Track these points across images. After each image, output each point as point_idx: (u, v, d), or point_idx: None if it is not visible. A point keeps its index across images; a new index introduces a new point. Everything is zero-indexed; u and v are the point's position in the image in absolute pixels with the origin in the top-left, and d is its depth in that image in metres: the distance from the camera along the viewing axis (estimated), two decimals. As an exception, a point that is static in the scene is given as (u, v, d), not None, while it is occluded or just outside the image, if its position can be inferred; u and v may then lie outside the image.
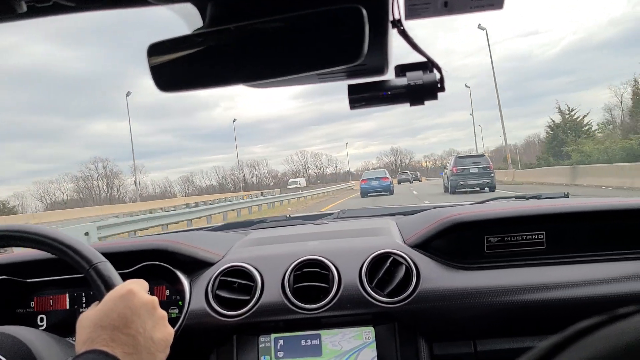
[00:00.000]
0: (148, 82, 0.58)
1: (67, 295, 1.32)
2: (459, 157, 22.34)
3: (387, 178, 27.10)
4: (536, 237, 1.28)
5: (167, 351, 0.79)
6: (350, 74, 0.72)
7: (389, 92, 0.73)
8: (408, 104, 0.74)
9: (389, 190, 26.41)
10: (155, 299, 0.79)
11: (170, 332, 0.80)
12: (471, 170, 20.44)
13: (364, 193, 26.76)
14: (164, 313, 0.80)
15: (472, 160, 21.04)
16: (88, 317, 0.75)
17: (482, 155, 22.23)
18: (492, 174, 20.57)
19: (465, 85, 55.17)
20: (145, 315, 0.76)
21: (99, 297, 0.80)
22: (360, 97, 0.74)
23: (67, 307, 1.32)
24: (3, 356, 0.78)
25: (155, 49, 0.57)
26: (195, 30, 0.57)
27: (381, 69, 0.72)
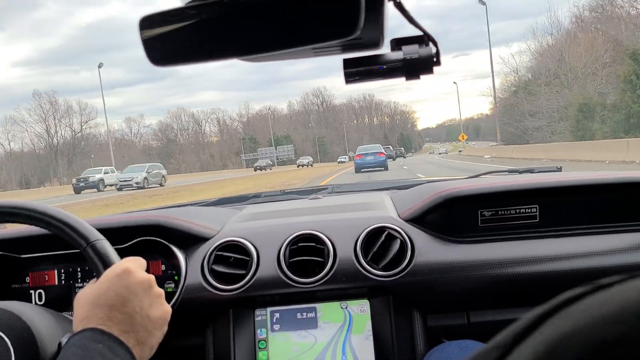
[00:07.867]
0: None
1: (63, 270, 1.33)
2: None
3: (383, 153, 26.09)
4: (529, 210, 1.29)
5: (165, 329, 0.80)
6: (345, 48, 0.71)
7: (385, 67, 0.72)
8: (404, 78, 0.74)
9: (383, 166, 25.39)
10: (152, 277, 0.80)
11: (167, 310, 0.81)
12: None
13: (358, 168, 25.60)
14: (160, 291, 0.81)
15: None
16: (85, 296, 0.76)
17: None
18: None
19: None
20: (142, 293, 0.77)
21: (96, 275, 0.81)
22: (356, 72, 0.73)
23: (63, 283, 1.32)
24: (1, 331, 0.79)
25: (147, 22, 0.56)
26: (188, 3, 0.56)
27: (377, 42, 0.71)
